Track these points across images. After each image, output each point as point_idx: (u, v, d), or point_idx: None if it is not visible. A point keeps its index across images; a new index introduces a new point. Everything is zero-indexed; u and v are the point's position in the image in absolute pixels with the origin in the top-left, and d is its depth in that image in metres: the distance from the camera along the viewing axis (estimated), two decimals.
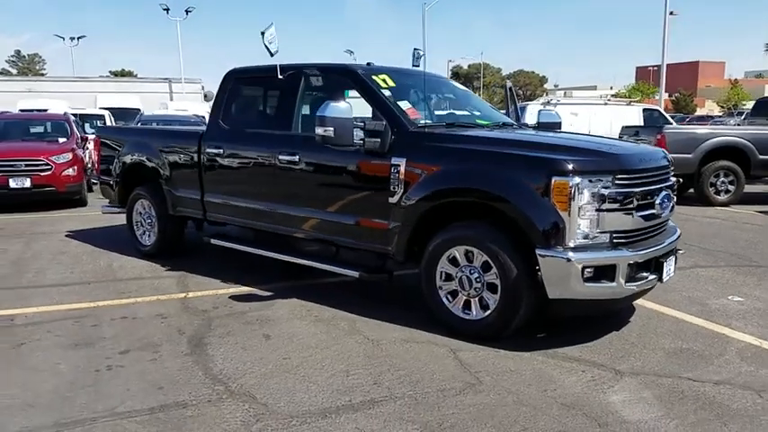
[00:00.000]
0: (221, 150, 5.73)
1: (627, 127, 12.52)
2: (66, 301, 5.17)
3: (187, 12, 35.22)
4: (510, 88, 6.71)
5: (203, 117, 15.92)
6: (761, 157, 10.56)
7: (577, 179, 3.78)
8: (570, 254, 3.79)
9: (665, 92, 58.87)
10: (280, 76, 5.35)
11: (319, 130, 4.50)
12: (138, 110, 23.82)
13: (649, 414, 3.21)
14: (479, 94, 74.70)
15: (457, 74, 73.60)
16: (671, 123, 15.54)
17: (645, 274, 4.05)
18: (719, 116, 38.88)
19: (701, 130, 11.30)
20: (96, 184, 7.56)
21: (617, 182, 3.91)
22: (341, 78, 5.17)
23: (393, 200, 4.49)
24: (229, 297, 5.28)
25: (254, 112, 6.08)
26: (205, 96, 30.57)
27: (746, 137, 10.58)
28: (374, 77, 4.98)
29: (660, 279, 4.19)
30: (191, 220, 6.62)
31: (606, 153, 4.12)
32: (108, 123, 15.91)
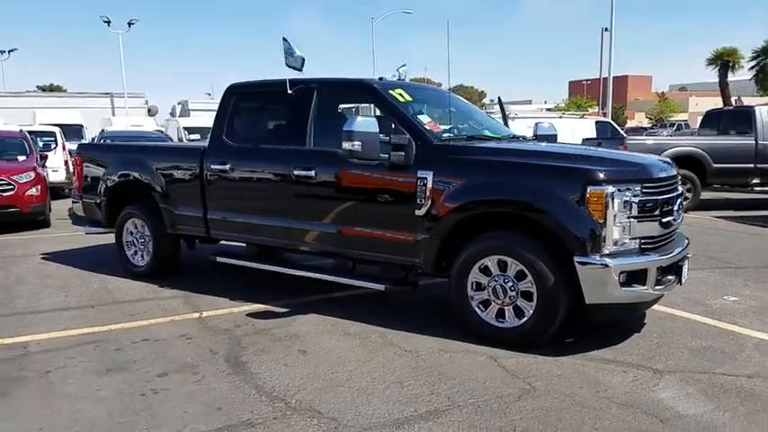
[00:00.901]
0: (227, 167, 5.65)
1: (587, 139, 13.06)
2: (75, 326, 4.96)
3: (129, 24, 34.25)
4: (500, 101, 6.93)
5: (163, 132, 15.51)
6: (715, 165, 11.24)
7: (611, 188, 3.97)
8: (607, 260, 3.96)
9: (599, 105, 61.36)
10: (290, 91, 5.35)
11: (346, 145, 4.54)
12: (81, 126, 22.96)
13: (702, 408, 3.39)
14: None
15: None
16: (623, 135, 16.30)
17: (669, 277, 4.28)
18: (652, 128, 40.87)
19: (661, 140, 11.92)
20: (77, 203, 7.26)
21: (644, 190, 4.13)
22: (357, 93, 5.24)
23: (420, 212, 4.56)
24: (246, 315, 5.20)
25: (262, 127, 6.03)
26: (149, 111, 29.79)
27: (702, 147, 11.26)
28: (390, 92, 5.06)
29: (680, 281, 4.43)
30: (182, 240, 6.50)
31: (633, 163, 4.34)
32: (59, 140, 15.27)
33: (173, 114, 30.19)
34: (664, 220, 4.27)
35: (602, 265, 3.95)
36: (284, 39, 5.34)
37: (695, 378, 3.81)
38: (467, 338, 4.45)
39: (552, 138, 6.05)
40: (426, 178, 4.52)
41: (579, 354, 4.21)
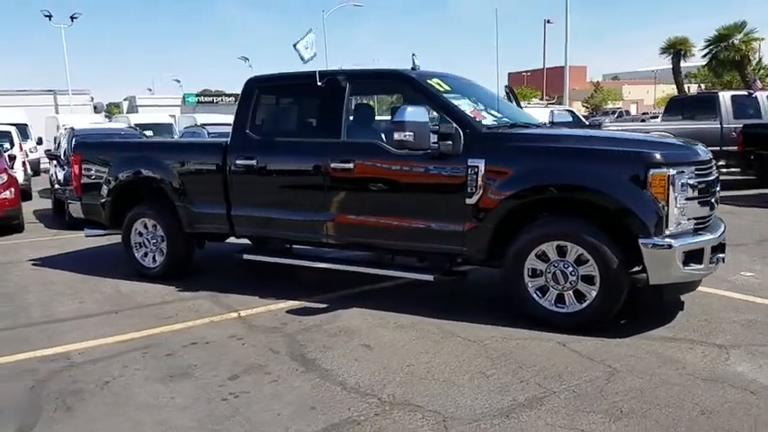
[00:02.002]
0: (253, 162, 5.46)
1: (553, 123, 13.32)
2: (110, 333, 4.70)
3: (72, 18, 32.48)
4: (512, 90, 6.98)
5: (136, 128, 14.85)
6: None
7: (672, 171, 4.07)
8: (671, 241, 4.05)
9: (541, 93, 62.81)
10: (319, 83, 5.22)
11: (398, 135, 4.47)
12: (26, 125, 21.84)
13: None
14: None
15: None
16: (585, 123, 16.75)
17: (720, 255, 4.42)
18: (594, 116, 42.16)
19: (632, 126, 12.30)
20: (75, 204, 6.87)
21: (696, 173, 4.25)
22: (394, 84, 5.16)
23: (471, 201, 4.54)
24: (287, 312, 5.07)
25: (290, 120, 5.86)
26: (95, 108, 28.59)
27: (671, 132, 11.67)
28: (429, 82, 5.01)
29: (723, 260, 4.58)
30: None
31: (683, 146, 4.45)
32: (15, 140, 14.44)
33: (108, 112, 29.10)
34: (711, 200, 4.40)
35: (666, 245, 4.04)
36: (310, 30, 5.22)
37: (760, 351, 3.95)
38: (523, 325, 4.47)
39: (569, 124, 6.14)
40: (478, 166, 4.50)
41: (637, 335, 4.29)
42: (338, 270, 5.43)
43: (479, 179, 4.49)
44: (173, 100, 45.42)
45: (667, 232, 4.09)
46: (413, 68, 5.31)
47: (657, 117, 19.76)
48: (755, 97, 12.46)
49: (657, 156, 4.12)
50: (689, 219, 4.21)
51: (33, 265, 7.24)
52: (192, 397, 3.55)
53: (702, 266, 4.21)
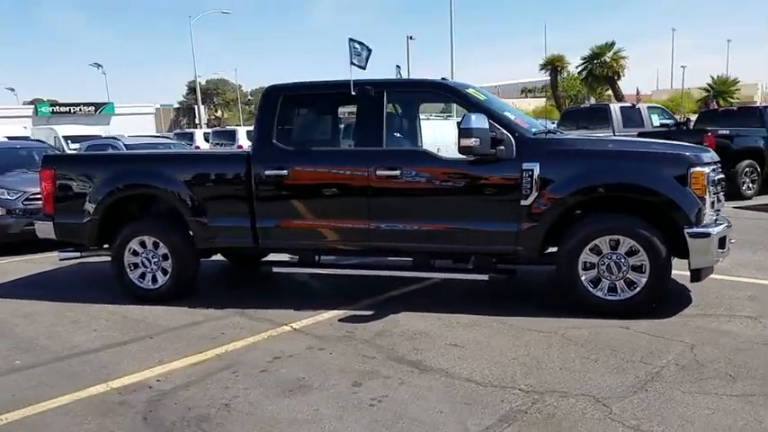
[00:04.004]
0: (285, 172, 5.36)
1: None
2: (170, 358, 4.38)
3: None
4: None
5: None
6: None
7: (707, 169, 4.71)
8: (709, 229, 4.68)
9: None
10: (353, 93, 5.28)
11: (465, 142, 4.70)
12: None
13: None
14: (221, 112, 73.33)
15: (194, 89, 71.25)
16: None
17: (733, 240, 5.15)
18: None
19: None
20: (46, 224, 6.15)
21: (717, 170, 4.94)
22: (435, 93, 5.35)
23: (526, 202, 4.88)
24: (339, 321, 5.05)
25: (323, 129, 5.79)
26: None
27: None
28: (469, 91, 5.28)
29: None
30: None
31: (705, 149, 5.12)
32: None
33: None
34: (722, 195, 5.13)
35: (707, 234, 4.66)
36: (350, 39, 5.27)
37: None
38: (575, 315, 4.85)
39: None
40: (533, 170, 4.84)
41: (675, 315, 4.84)
42: (350, 277, 5.59)
43: (534, 182, 4.83)
44: (21, 110, 41.20)
45: (704, 222, 4.71)
46: (442, 78, 5.56)
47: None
48: (638, 108, 14.19)
49: (695, 156, 4.74)
50: (714, 210, 4.88)
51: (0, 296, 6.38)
52: (337, 407, 3.49)
53: (725, 251, 4.89)
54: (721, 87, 39.40)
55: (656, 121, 14.51)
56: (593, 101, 17.78)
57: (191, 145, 22.61)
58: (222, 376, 4.02)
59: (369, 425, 3.28)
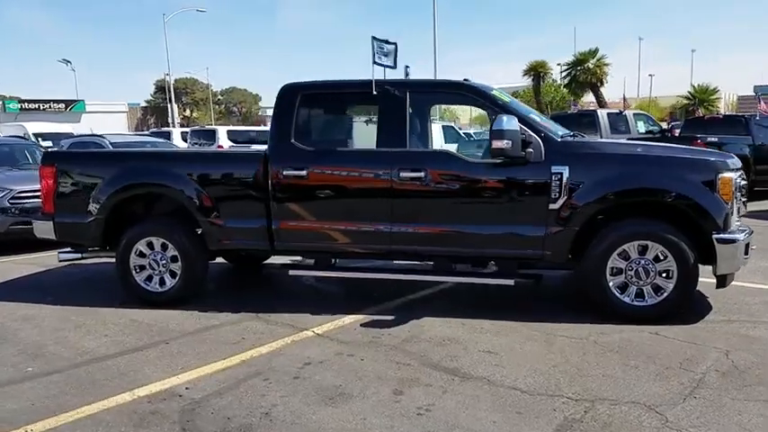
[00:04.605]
0: (304, 172, 5.22)
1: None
2: (195, 365, 4.19)
3: None
4: None
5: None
6: None
7: (734, 175, 4.72)
8: (737, 236, 4.69)
9: None
10: (375, 93, 5.17)
11: (498, 144, 4.63)
12: None
13: None
14: (190, 111, 72.17)
15: (162, 88, 70.05)
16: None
17: (754, 247, 5.17)
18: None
19: None
20: (46, 224, 5.88)
21: (742, 176, 4.96)
22: (459, 94, 5.27)
23: (555, 206, 4.82)
24: (362, 325, 4.93)
25: (343, 129, 5.65)
26: None
27: None
28: (494, 93, 5.22)
29: None
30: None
31: (730, 156, 5.14)
32: None
33: None
34: (744, 201, 5.16)
35: (734, 239, 4.67)
36: (373, 38, 5.16)
37: None
38: (599, 319, 4.82)
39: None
40: (562, 173, 4.79)
41: (699, 321, 4.84)
42: (358, 280, 5.53)
43: (563, 185, 4.78)
44: None
45: (731, 228, 4.72)
46: (465, 79, 5.47)
47: None
48: (625, 115, 14.35)
49: (723, 163, 4.75)
50: (738, 216, 4.90)
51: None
52: (384, 416, 3.38)
53: (748, 257, 4.92)
54: (702, 96, 40.33)
55: (642, 127, 14.71)
56: (579, 106, 18.06)
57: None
58: (254, 383, 3.86)
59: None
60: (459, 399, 3.56)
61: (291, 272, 5.49)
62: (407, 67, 5.98)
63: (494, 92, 5.24)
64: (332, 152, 5.32)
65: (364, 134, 5.49)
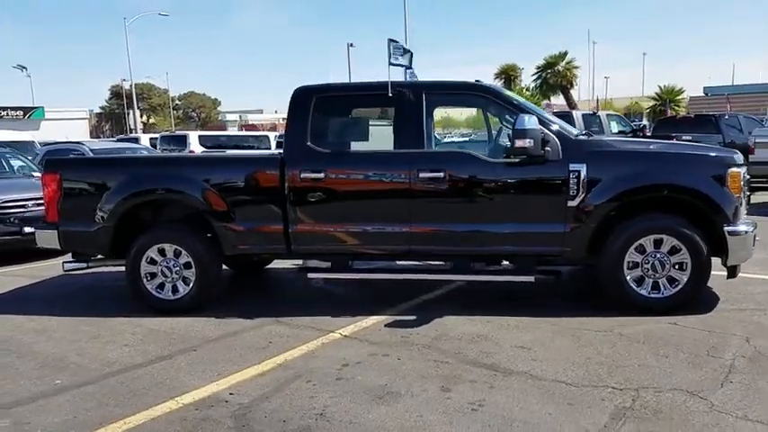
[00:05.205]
0: (321, 174, 5.22)
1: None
2: (227, 372, 4.12)
3: None
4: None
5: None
6: None
7: (743, 170, 4.93)
8: (747, 228, 4.90)
9: None
10: (390, 94, 5.22)
11: (520, 143, 4.72)
12: None
13: None
14: (147, 117, 70.65)
15: (118, 94, 68.49)
16: None
17: (758, 238, 5.40)
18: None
19: None
20: (50, 233, 5.70)
21: (747, 171, 5.18)
22: (477, 95, 5.35)
23: (573, 203, 4.95)
24: (385, 326, 4.97)
25: (359, 131, 5.64)
26: None
27: None
28: (510, 94, 5.32)
29: None
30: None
31: (736, 152, 5.35)
32: None
33: None
34: (749, 195, 5.38)
35: (745, 231, 4.87)
36: (390, 40, 5.21)
37: None
38: (615, 312, 4.96)
39: None
40: (580, 171, 4.92)
41: (711, 310, 5.04)
42: (366, 281, 5.67)
43: (582, 183, 4.91)
44: None
45: (740, 220, 4.93)
46: (477, 81, 5.57)
47: None
48: (598, 116, 14.73)
49: (731, 158, 4.96)
50: (745, 209, 5.12)
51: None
52: (439, 412, 3.42)
53: (755, 248, 5.14)
54: (669, 96, 41.63)
55: (615, 127, 15.13)
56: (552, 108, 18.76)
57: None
58: (298, 386, 3.85)
59: (482, 429, 3.22)
60: (509, 393, 3.63)
61: (310, 275, 5.47)
62: (409, 68, 6.07)
63: (509, 92, 5.34)
64: (349, 154, 5.35)
65: (380, 136, 5.51)
